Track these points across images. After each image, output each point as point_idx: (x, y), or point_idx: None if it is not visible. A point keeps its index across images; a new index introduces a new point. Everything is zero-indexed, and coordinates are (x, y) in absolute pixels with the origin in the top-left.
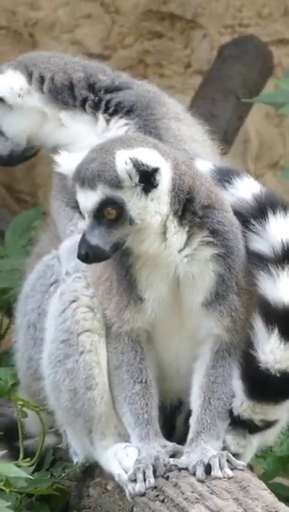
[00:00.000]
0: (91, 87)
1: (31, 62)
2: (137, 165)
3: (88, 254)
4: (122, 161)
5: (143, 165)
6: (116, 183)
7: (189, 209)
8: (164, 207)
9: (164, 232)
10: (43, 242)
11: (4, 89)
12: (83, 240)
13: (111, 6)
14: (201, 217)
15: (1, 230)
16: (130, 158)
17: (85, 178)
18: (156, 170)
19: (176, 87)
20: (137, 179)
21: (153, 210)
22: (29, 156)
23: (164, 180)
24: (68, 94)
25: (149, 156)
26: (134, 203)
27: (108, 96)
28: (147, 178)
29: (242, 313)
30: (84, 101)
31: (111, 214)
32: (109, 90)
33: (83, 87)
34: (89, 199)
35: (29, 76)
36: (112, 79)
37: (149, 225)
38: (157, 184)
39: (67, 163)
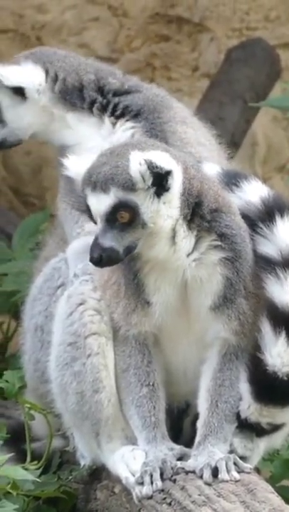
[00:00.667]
0: (100, 90)
1: (48, 59)
2: (151, 167)
3: (102, 257)
4: (137, 163)
5: (157, 167)
6: (130, 186)
7: (198, 213)
8: (175, 211)
9: (174, 237)
10: (50, 246)
11: (26, 80)
12: (96, 244)
13: (118, 9)
14: (209, 221)
15: (8, 233)
16: (144, 160)
17: (97, 181)
18: (169, 173)
19: (184, 90)
20: (150, 181)
21: (165, 213)
22: (13, 146)
23: (176, 183)
24: (77, 96)
25: (163, 159)
26: (147, 206)
27: (116, 99)
28: (160, 181)
29: (250, 317)
30: (92, 103)
31: (124, 217)
32: (118, 93)
33: (93, 89)
34: (102, 203)
35: (46, 73)
36: (122, 82)
37: (160, 228)
38: (169, 188)
39: (75, 166)
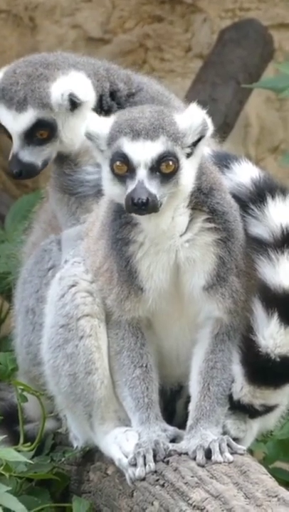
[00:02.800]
0: (112, 96)
1: (94, 70)
2: (203, 124)
3: (148, 201)
4: (189, 118)
5: (206, 126)
6: (178, 138)
7: (197, 188)
8: (194, 177)
9: (174, 211)
10: (37, 232)
11: (85, 93)
12: (142, 188)
13: None
14: (206, 195)
15: (1, 214)
16: (201, 116)
17: (145, 129)
18: (205, 136)
19: (177, 71)
20: (195, 138)
21: (191, 175)
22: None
23: (200, 151)
24: (96, 103)
25: (207, 120)
26: (184, 163)
27: (128, 105)
28: (196, 143)
29: (242, 295)
30: (109, 110)
31: (169, 168)
32: (127, 97)
33: (107, 96)
34: (149, 151)
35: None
36: (129, 86)
37: (185, 189)
38: (195, 152)
39: (96, 124)
